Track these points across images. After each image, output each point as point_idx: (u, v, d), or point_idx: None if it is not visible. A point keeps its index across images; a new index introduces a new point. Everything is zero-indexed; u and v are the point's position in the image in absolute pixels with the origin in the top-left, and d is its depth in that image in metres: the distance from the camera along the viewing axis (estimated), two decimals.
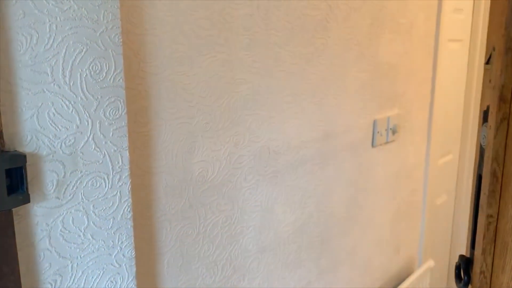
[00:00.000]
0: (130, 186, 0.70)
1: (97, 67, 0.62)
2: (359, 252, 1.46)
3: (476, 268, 0.72)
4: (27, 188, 0.56)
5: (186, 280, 0.90)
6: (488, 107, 0.72)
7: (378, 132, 1.43)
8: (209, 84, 0.87)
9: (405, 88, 1.53)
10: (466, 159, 2.36)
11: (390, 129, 1.48)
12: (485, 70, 0.79)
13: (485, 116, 0.74)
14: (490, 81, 0.74)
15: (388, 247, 1.63)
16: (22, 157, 0.55)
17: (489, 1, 2.11)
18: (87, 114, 0.63)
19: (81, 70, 0.61)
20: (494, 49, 0.72)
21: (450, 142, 2.25)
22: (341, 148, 1.28)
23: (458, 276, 0.80)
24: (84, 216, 0.65)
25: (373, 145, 1.43)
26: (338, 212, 1.31)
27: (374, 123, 1.41)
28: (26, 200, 0.56)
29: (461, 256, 0.79)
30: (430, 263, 1.80)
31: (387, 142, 1.49)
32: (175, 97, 0.82)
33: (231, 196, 0.97)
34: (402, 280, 1.73)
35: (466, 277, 0.77)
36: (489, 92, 0.74)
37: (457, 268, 0.80)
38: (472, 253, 0.77)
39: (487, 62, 0.77)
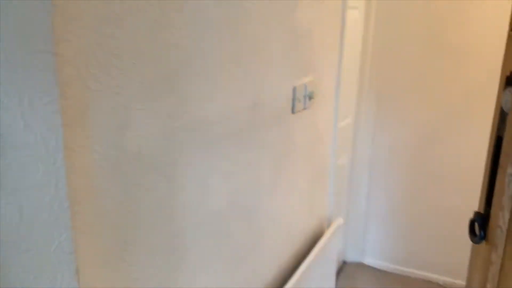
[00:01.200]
0: (65, 170, 0.60)
1: (22, 31, 0.50)
2: (282, 218, 1.49)
3: (493, 223, 0.76)
4: None
5: (128, 267, 0.82)
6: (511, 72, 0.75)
7: (297, 99, 1.44)
8: (140, 49, 0.77)
9: (318, 55, 1.56)
10: (361, 122, 2.53)
11: (307, 95, 1.50)
12: (509, 36, 0.82)
13: (508, 81, 0.76)
14: None
15: (305, 209, 1.69)
16: None
17: None
18: (13, 87, 0.51)
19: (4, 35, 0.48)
20: None
21: (348, 106, 2.39)
22: (268, 116, 1.26)
23: (472, 232, 0.84)
24: (16, 210, 0.54)
25: (293, 112, 1.44)
26: (264, 180, 1.31)
27: (294, 90, 1.42)
28: None
29: (477, 213, 0.83)
30: (340, 221, 1.92)
31: (304, 109, 1.51)
32: (105, 64, 0.71)
33: (167, 171, 0.89)
34: (317, 238, 1.82)
35: (482, 232, 0.81)
36: None
37: (472, 224, 0.85)
38: (487, 210, 0.82)
39: None
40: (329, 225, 1.99)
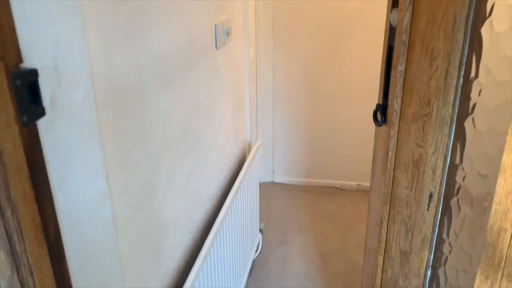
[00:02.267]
0: (94, 94, 0.75)
1: None
2: (218, 139, 1.72)
3: (391, 108, 1.06)
4: (41, 102, 0.58)
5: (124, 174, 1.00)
6: None
7: (219, 35, 1.63)
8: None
9: None
10: (262, 56, 2.80)
11: (225, 32, 1.70)
12: None
13: (394, 3, 1.03)
14: None
15: (232, 134, 1.94)
16: (35, 71, 0.57)
17: None
18: (60, 25, 0.65)
19: None
20: None
21: (250, 42, 2.63)
22: (200, 51, 1.45)
23: (375, 118, 1.13)
24: (71, 127, 0.69)
25: (216, 48, 1.63)
26: (202, 107, 1.52)
27: (216, 27, 1.60)
28: (43, 113, 0.59)
29: (378, 105, 1.11)
30: (258, 142, 2.21)
31: (224, 44, 1.72)
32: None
33: (142, 101, 1.06)
34: (243, 160, 2.10)
35: (383, 117, 1.11)
36: None
37: (375, 113, 1.13)
38: (384, 101, 1.11)
39: None
40: (250, 147, 2.28)
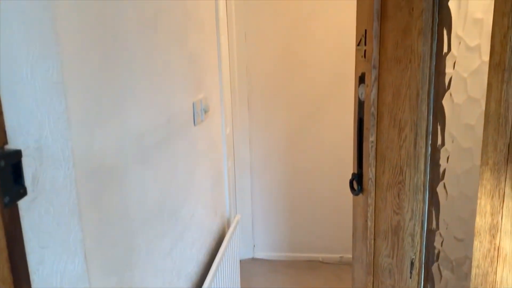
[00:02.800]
0: (74, 174, 0.76)
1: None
2: (196, 218, 1.71)
3: (366, 177, 1.09)
4: (24, 182, 0.59)
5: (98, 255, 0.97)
6: (362, 74, 1.08)
7: (197, 113, 1.69)
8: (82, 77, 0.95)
9: (206, 75, 1.84)
10: (239, 131, 2.88)
11: (203, 109, 1.76)
12: (357, 50, 1.16)
13: (360, 80, 1.10)
14: (362, 56, 1.10)
15: (210, 209, 1.93)
16: (19, 152, 0.58)
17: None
18: (44, 108, 0.67)
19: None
20: (363, 35, 1.08)
21: (227, 117, 2.71)
22: (178, 128, 1.49)
23: (352, 187, 1.16)
24: (51, 207, 0.69)
25: (194, 125, 1.68)
26: (182, 184, 1.53)
27: (194, 105, 1.66)
28: (24, 193, 0.59)
29: (354, 174, 1.14)
30: (238, 217, 2.20)
31: (202, 121, 1.77)
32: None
33: (121, 177, 1.06)
34: (223, 236, 2.07)
35: (359, 186, 1.13)
36: (362, 64, 1.10)
37: (351, 182, 1.16)
38: (359, 170, 1.14)
39: (358, 44, 1.14)
40: (229, 222, 2.26)
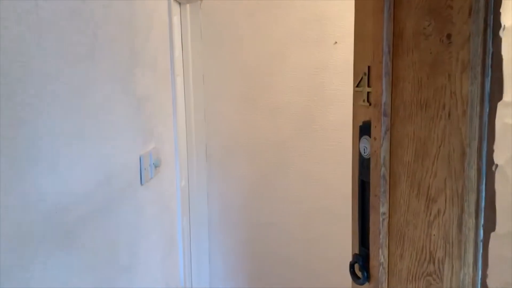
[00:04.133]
0: None
1: None
2: None
3: (374, 261, 0.78)
4: None
5: None
6: (364, 123, 0.80)
7: (144, 169, 1.35)
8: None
9: (157, 122, 1.52)
10: (194, 182, 2.54)
11: (153, 164, 1.43)
12: (356, 92, 0.88)
13: (362, 130, 0.81)
14: (364, 100, 0.82)
15: (162, 284, 1.55)
16: None
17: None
18: None
19: None
20: (365, 74, 0.81)
21: (182, 170, 2.37)
22: (119, 191, 1.14)
23: (354, 274, 0.84)
24: None
25: (141, 183, 1.34)
26: (121, 262, 1.16)
27: (140, 159, 1.33)
28: None
29: (356, 255, 0.83)
30: None
31: (151, 178, 1.43)
32: None
33: (24, 275, 0.70)
34: None
35: (365, 272, 0.82)
36: (364, 110, 0.82)
37: (352, 266, 0.84)
38: (362, 251, 0.83)
39: (358, 85, 0.86)
40: None
